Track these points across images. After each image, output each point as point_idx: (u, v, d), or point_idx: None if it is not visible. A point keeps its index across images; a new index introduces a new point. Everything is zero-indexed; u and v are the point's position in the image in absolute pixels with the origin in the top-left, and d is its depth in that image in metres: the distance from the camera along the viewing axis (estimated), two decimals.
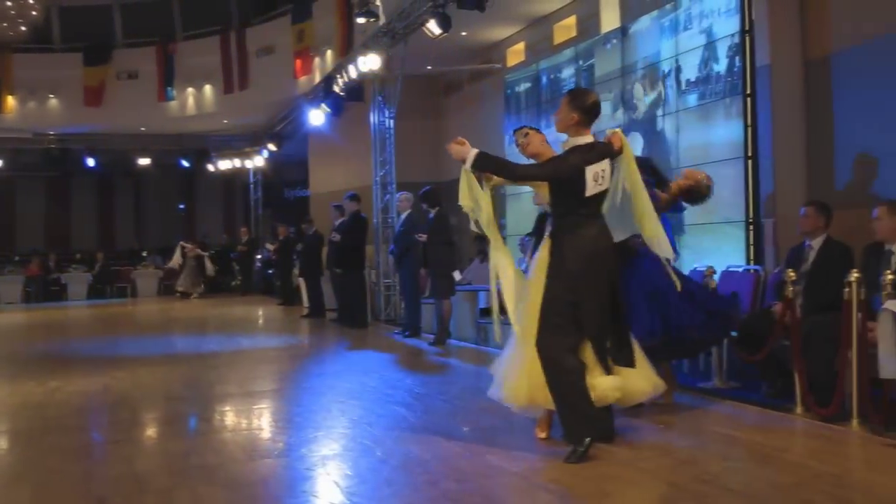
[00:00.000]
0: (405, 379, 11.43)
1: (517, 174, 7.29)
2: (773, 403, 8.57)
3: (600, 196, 7.03)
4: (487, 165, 7.14)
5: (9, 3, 22.00)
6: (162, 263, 33.47)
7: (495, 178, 7.39)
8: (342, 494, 5.98)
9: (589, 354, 6.89)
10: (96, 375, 12.10)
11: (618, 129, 7.43)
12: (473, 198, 7.28)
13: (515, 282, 7.37)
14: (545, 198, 7.36)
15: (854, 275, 7.58)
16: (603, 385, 6.84)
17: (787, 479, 5.96)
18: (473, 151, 7.05)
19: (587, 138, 7.05)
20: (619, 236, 7.38)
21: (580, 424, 6.62)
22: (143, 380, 11.74)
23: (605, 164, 6.96)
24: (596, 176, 6.88)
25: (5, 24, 22.73)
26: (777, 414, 8.19)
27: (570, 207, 6.98)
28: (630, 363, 7.07)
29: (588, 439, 6.51)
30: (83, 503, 6.15)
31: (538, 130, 8.03)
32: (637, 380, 7.15)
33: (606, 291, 6.98)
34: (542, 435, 7.22)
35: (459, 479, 6.21)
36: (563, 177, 6.97)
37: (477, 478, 6.25)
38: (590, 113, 7.08)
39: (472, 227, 7.45)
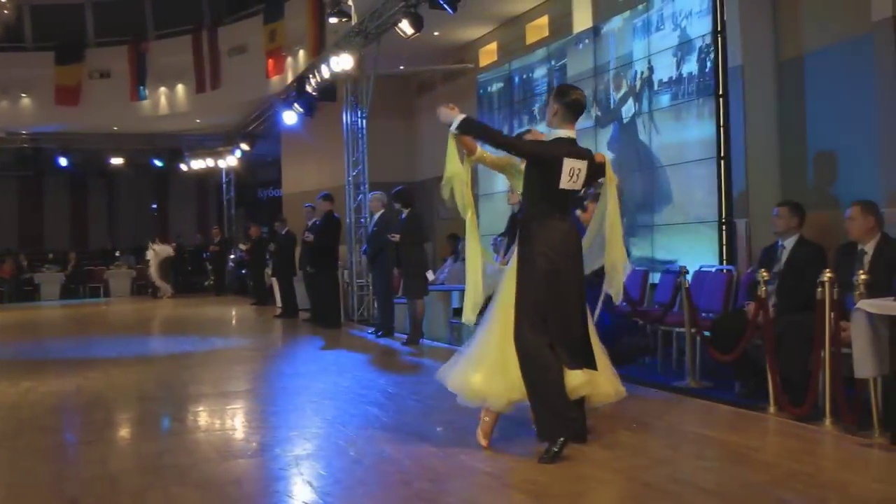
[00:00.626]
0: (378, 379, 11.43)
1: (499, 141, 7.30)
2: (746, 403, 8.60)
3: (571, 195, 7.12)
4: (472, 129, 7.30)
5: None
6: (135, 263, 33.36)
7: (477, 153, 7.52)
8: (315, 494, 5.97)
9: (561, 350, 6.89)
10: (69, 376, 12.05)
11: (603, 154, 7.69)
12: (458, 166, 7.40)
13: (482, 271, 7.44)
14: (518, 188, 7.41)
15: (827, 275, 7.60)
16: (574, 381, 6.85)
17: (760, 478, 5.98)
18: (460, 115, 7.22)
19: (569, 133, 7.12)
20: (595, 263, 7.57)
21: (555, 423, 6.60)
22: (117, 380, 11.70)
23: (581, 165, 6.99)
24: (572, 171, 6.92)
25: None
26: (750, 413, 8.22)
27: (543, 196, 7.01)
28: (592, 366, 7.06)
29: (562, 439, 6.51)
30: (57, 503, 6.12)
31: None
32: (602, 382, 7.17)
33: (576, 290, 7.00)
34: (484, 443, 7.16)
35: (433, 478, 6.20)
36: (540, 156, 7.03)
37: (450, 478, 6.25)
38: (570, 107, 7.13)
39: (445, 196, 7.49)
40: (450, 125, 7.26)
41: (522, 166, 7.33)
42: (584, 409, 7.14)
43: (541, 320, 6.81)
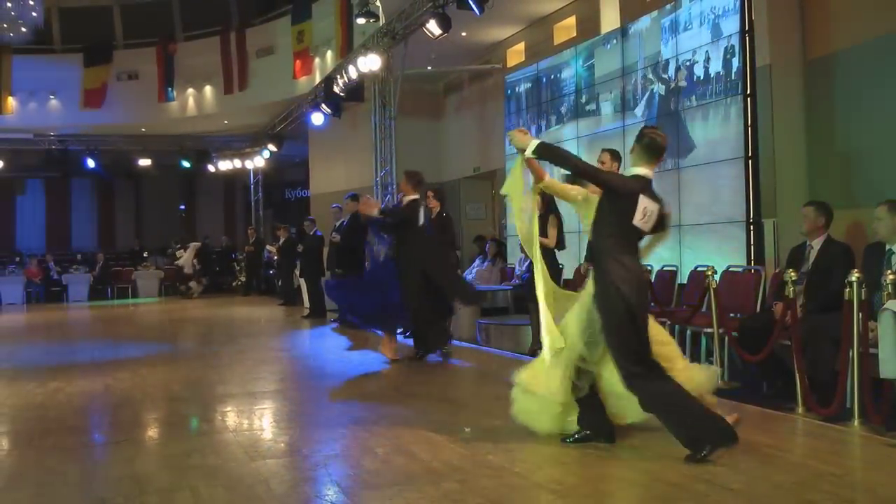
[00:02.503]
0: (406, 379, 11.43)
1: (579, 167, 7.16)
2: (773, 403, 8.56)
3: (640, 235, 7.02)
4: (549, 154, 7.19)
5: (9, 5, 21.97)
6: (163, 264, 33.47)
7: (545, 180, 7.55)
8: (344, 494, 5.98)
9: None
10: (97, 376, 12.09)
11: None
12: (519, 191, 7.47)
13: (551, 303, 7.40)
14: (586, 218, 7.38)
15: (855, 275, 7.58)
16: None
17: (788, 478, 5.96)
18: (535, 140, 7.15)
19: (647, 172, 7.03)
20: None
21: (704, 429, 6.60)
22: (144, 380, 11.73)
23: (654, 207, 6.92)
24: (645, 211, 6.85)
25: (6, 26, 22.71)
26: (778, 414, 8.19)
27: (616, 230, 6.90)
28: None
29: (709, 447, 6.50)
30: (85, 503, 6.15)
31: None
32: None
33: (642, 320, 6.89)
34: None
35: (461, 479, 6.21)
36: (618, 188, 6.95)
37: (478, 478, 6.25)
38: (645, 149, 7.05)
39: (513, 222, 7.54)
40: (523, 150, 7.20)
41: (593, 198, 7.25)
42: (605, 411, 7.19)
43: (640, 342, 6.79)
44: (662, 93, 13.83)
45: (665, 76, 13.79)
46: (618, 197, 6.91)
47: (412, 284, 12.30)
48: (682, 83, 13.29)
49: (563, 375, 7.12)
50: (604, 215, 7.01)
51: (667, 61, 13.74)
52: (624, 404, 7.11)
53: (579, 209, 7.78)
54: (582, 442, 7.15)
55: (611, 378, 7.02)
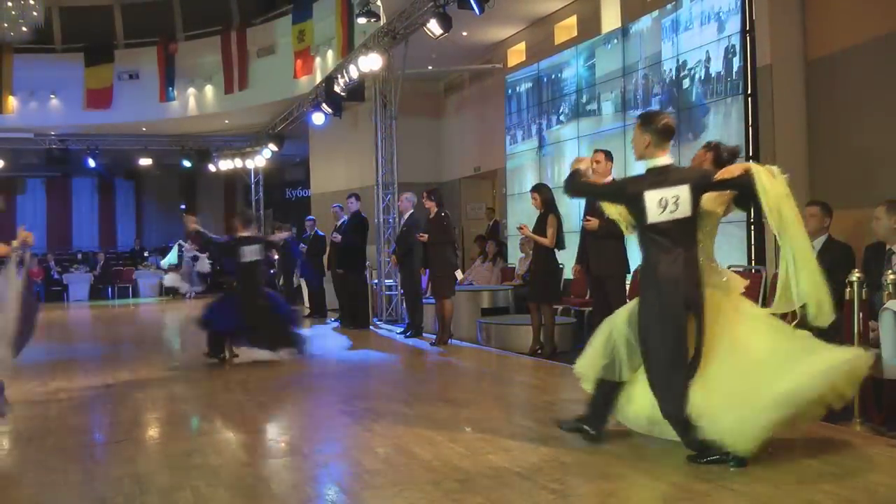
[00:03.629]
0: (407, 379, 11.44)
1: (585, 191, 7.79)
2: None
3: (676, 225, 6.69)
4: (577, 191, 7.60)
5: (10, 4, 21.96)
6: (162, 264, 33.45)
7: None
8: (344, 494, 5.99)
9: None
10: (98, 375, 12.10)
11: (748, 164, 6.89)
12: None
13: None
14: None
15: (855, 274, 7.58)
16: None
17: (788, 478, 5.96)
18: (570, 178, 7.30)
19: (663, 161, 6.83)
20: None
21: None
22: (145, 380, 11.74)
23: (676, 192, 6.64)
24: (663, 202, 6.63)
25: (6, 25, 22.69)
26: None
27: (642, 233, 6.83)
28: None
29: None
30: (85, 503, 6.15)
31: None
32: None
33: (672, 328, 6.61)
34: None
35: (462, 478, 6.21)
36: (618, 197, 7.05)
37: (479, 478, 6.25)
38: (661, 134, 6.81)
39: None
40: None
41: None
42: (608, 411, 7.21)
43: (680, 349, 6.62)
44: (664, 92, 13.83)
45: (666, 76, 13.79)
46: (624, 204, 6.99)
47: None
48: (683, 83, 13.29)
49: (600, 344, 7.11)
50: (634, 223, 6.97)
51: (667, 61, 13.74)
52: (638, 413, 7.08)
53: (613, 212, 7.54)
54: (574, 430, 7.19)
55: (642, 392, 6.95)
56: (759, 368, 6.41)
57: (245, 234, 13.21)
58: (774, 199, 6.55)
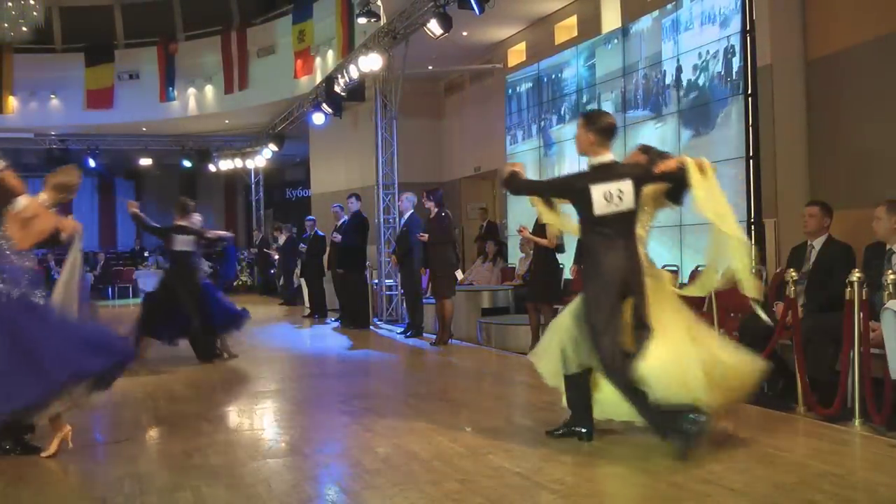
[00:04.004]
0: (407, 379, 11.44)
1: (534, 190, 7.75)
2: (774, 403, 8.56)
3: (620, 217, 6.97)
4: (519, 189, 7.72)
5: (10, 4, 21.97)
6: (165, 263, 33.41)
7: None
8: (344, 494, 5.99)
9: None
10: None
11: (683, 158, 7.20)
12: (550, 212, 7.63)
13: None
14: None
15: (856, 274, 7.59)
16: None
17: (789, 478, 5.96)
18: (510, 180, 7.44)
19: (606, 157, 7.11)
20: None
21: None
22: (146, 380, 11.73)
23: (619, 185, 6.94)
24: (608, 195, 6.90)
25: (6, 25, 22.70)
26: (779, 414, 8.19)
27: (587, 226, 7.09)
28: None
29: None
30: (87, 502, 6.16)
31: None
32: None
33: (613, 311, 6.87)
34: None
35: (462, 479, 6.21)
36: (564, 191, 7.34)
37: (479, 478, 6.24)
38: (603, 133, 7.13)
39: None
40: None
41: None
42: (590, 408, 7.25)
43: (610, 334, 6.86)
44: (664, 92, 13.83)
45: (666, 76, 13.79)
46: (570, 198, 7.21)
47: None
48: (683, 83, 13.29)
49: (553, 340, 7.32)
50: (577, 215, 7.21)
51: (668, 61, 13.74)
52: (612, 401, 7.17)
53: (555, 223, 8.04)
54: (567, 436, 7.21)
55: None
56: (687, 348, 6.77)
57: (181, 223, 13.37)
58: (706, 190, 7.00)
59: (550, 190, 7.69)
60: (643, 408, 6.72)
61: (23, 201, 7.47)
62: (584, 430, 7.21)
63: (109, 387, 7.71)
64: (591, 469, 6.47)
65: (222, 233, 15.36)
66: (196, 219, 13.80)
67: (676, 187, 7.24)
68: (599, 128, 7.12)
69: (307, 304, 21.63)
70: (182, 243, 13.19)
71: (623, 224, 7.00)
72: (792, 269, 8.57)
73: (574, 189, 7.11)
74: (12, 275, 7.22)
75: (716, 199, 7.03)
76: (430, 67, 22.15)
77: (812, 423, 7.74)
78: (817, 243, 9.09)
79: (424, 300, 16.11)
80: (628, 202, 6.94)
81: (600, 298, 6.86)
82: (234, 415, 9.26)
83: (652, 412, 6.66)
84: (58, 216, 7.94)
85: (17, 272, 7.27)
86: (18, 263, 7.34)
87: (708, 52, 12.81)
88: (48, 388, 6.91)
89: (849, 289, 7.58)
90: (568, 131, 16.94)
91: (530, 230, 12.78)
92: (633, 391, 6.68)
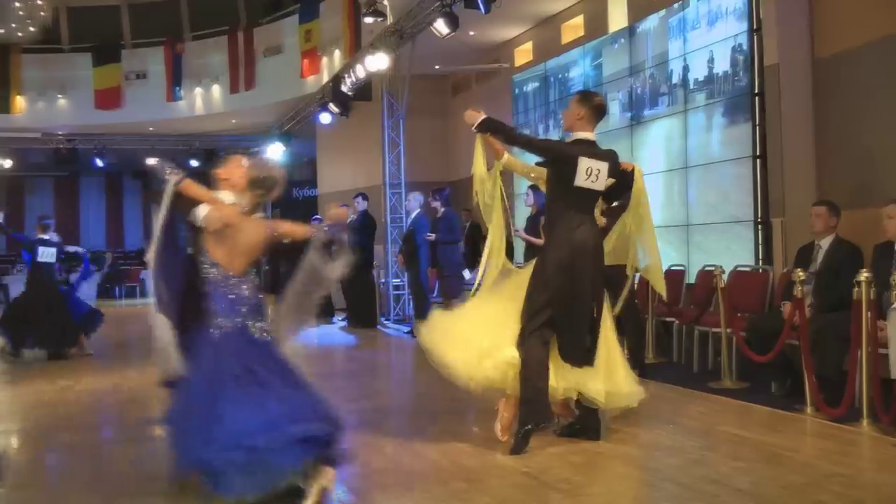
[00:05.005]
0: (414, 379, 11.44)
1: (516, 139, 7.83)
2: (782, 403, 8.56)
3: (591, 195, 7.29)
4: (490, 128, 7.50)
5: (17, 4, 22.01)
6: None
7: (504, 158, 7.73)
8: (352, 494, 5.99)
9: (564, 345, 7.22)
10: (106, 374, 12.12)
11: (636, 165, 7.95)
12: (483, 171, 7.72)
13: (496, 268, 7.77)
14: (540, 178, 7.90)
15: (864, 274, 7.58)
16: (565, 381, 7.17)
17: (796, 479, 5.96)
18: (482, 116, 7.40)
19: (590, 135, 7.36)
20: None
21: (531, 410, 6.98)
22: (153, 378, 11.72)
23: (601, 166, 7.20)
24: (589, 171, 7.13)
25: (14, 25, 22.74)
26: (787, 414, 8.19)
27: (561, 193, 7.26)
28: (590, 362, 7.20)
29: (529, 426, 6.92)
30: (93, 501, 6.16)
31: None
32: (617, 383, 7.29)
33: (588, 287, 7.16)
34: (503, 437, 7.30)
35: (469, 478, 6.21)
36: (556, 153, 7.40)
37: (487, 477, 6.26)
38: (596, 111, 7.44)
39: (476, 201, 7.78)
40: (472, 126, 7.40)
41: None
42: (596, 409, 7.24)
43: (546, 315, 7.06)
44: (671, 91, 13.81)
45: (673, 75, 13.77)
46: (558, 162, 7.29)
47: None
48: (690, 82, 13.27)
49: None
50: (551, 181, 7.42)
51: (674, 60, 13.72)
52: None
53: (541, 185, 8.25)
54: (574, 436, 7.23)
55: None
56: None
57: (43, 237, 14.87)
58: (642, 194, 7.77)
59: (534, 146, 7.82)
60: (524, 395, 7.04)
61: (203, 210, 6.25)
62: (591, 430, 7.23)
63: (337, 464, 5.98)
64: (599, 469, 6.47)
65: (78, 249, 17.92)
66: (54, 234, 15.38)
67: (618, 186, 7.66)
68: (592, 105, 7.43)
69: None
70: (45, 255, 14.64)
71: (590, 202, 7.38)
72: (799, 269, 8.56)
73: (565, 154, 7.27)
74: (223, 305, 6.11)
75: (647, 205, 7.79)
76: (437, 67, 22.12)
77: (820, 424, 7.74)
78: (825, 243, 9.08)
79: (432, 299, 16.09)
80: (601, 184, 7.25)
81: (574, 274, 7.09)
82: None
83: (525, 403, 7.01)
84: (272, 222, 6.63)
85: (229, 301, 6.12)
86: (231, 290, 6.15)
87: (715, 51, 12.78)
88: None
89: (857, 288, 7.58)
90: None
91: (524, 229, 12.81)
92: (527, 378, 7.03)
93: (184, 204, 6.29)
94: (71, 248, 16.01)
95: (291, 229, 6.46)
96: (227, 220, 6.17)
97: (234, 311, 6.11)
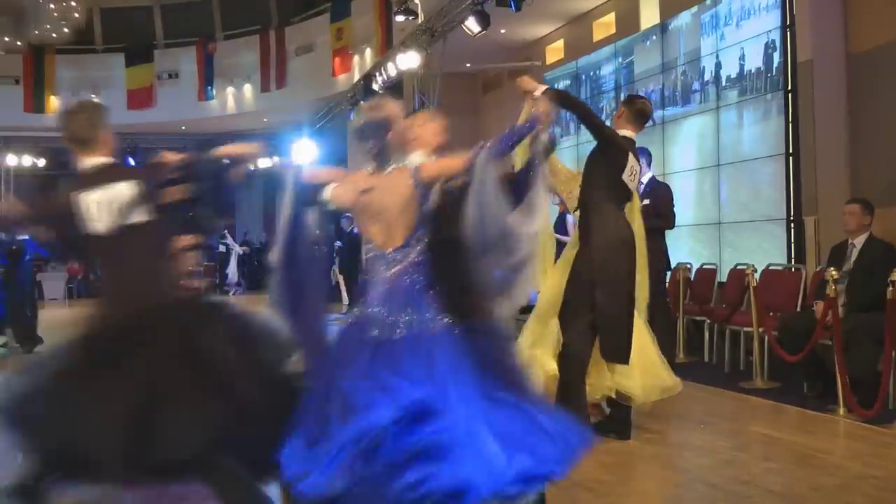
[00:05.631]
0: None
1: (588, 114, 7.43)
2: (814, 404, 8.50)
3: (628, 194, 7.23)
4: (560, 96, 7.00)
5: (51, 6, 22.14)
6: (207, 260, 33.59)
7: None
8: None
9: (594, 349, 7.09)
10: None
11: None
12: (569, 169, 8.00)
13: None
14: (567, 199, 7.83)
15: None
16: (606, 379, 7.12)
17: (828, 480, 5.91)
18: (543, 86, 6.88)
19: (631, 134, 7.35)
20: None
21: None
22: None
23: (638, 169, 7.28)
24: (632, 169, 7.10)
25: (48, 26, 22.88)
26: (819, 415, 8.12)
27: (604, 184, 7.11)
28: (625, 360, 7.05)
29: None
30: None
31: None
32: (653, 376, 7.25)
33: (626, 280, 7.05)
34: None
35: None
36: (618, 143, 7.17)
37: None
38: (635, 114, 7.42)
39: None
40: (532, 93, 6.69)
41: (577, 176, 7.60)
42: (629, 407, 7.21)
43: (587, 309, 6.94)
44: (703, 89, 13.74)
45: (705, 72, 13.70)
46: (614, 152, 7.13)
47: None
48: (723, 79, 13.20)
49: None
50: (596, 168, 7.21)
51: (706, 57, 13.64)
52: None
53: (561, 186, 7.94)
54: (604, 434, 7.16)
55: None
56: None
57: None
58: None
59: (600, 128, 7.23)
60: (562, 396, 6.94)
61: (328, 192, 5.13)
62: (621, 429, 7.19)
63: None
64: (629, 469, 6.44)
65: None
66: None
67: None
68: (633, 108, 7.43)
69: (345, 301, 21.66)
70: None
71: (626, 201, 7.27)
72: (832, 268, 8.48)
73: (618, 142, 7.18)
74: (395, 297, 4.77)
75: None
76: (468, 65, 22.10)
77: (852, 425, 7.67)
78: (858, 242, 8.99)
79: None
80: (633, 186, 7.26)
81: (619, 270, 6.98)
82: None
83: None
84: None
85: (401, 291, 4.76)
86: (391, 274, 4.83)
87: (747, 47, 12.70)
88: None
89: (890, 288, 7.51)
90: None
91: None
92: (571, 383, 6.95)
93: (309, 193, 5.21)
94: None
95: (442, 165, 5.43)
96: (357, 190, 5.09)
97: (407, 302, 4.71)
